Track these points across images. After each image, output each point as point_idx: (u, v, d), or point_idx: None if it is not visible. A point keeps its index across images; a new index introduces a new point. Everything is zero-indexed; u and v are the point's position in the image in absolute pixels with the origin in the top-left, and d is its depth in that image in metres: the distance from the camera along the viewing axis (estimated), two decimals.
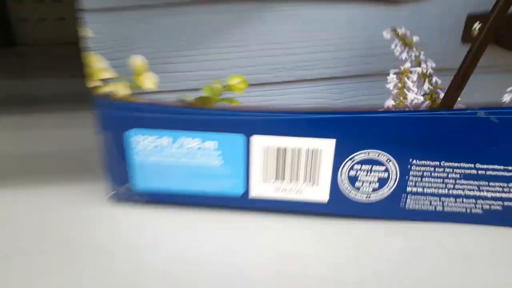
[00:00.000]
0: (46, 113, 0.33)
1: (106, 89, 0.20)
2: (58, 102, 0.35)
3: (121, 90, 0.20)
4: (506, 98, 0.19)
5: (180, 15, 0.18)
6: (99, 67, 0.20)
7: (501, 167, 0.20)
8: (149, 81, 0.20)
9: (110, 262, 0.19)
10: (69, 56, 0.43)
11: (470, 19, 0.18)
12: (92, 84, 0.20)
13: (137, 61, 0.19)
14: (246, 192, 0.22)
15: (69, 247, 0.20)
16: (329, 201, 0.22)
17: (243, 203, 0.22)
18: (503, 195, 0.21)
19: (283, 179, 0.21)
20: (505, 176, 0.20)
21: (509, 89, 0.19)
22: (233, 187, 0.22)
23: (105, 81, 0.20)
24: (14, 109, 0.34)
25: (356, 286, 0.18)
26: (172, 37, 0.19)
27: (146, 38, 0.19)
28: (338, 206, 0.22)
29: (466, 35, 0.18)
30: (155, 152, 0.21)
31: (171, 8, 0.18)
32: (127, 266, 0.19)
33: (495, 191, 0.21)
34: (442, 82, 0.19)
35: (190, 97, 0.20)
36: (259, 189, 0.22)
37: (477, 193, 0.21)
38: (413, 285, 0.18)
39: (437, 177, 0.21)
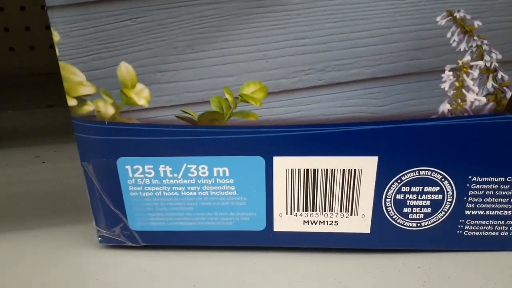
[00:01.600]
0: (18, 148, 0.29)
1: (87, 108, 0.16)
2: (31, 135, 0.30)
3: (105, 108, 0.16)
4: None
5: (177, 8, 0.14)
6: (76, 81, 0.15)
7: None
8: (141, 95, 0.16)
9: None
10: (42, 86, 0.39)
11: None
12: (70, 102, 0.16)
13: (124, 70, 0.15)
14: (269, 226, 0.18)
15: None
16: (371, 232, 0.18)
17: (266, 240, 0.18)
18: None
19: (314, 209, 0.17)
20: None
21: None
22: (251, 222, 0.18)
23: (85, 98, 0.16)
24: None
25: None
26: (167, 36, 0.15)
27: (133, 39, 0.15)
28: (383, 238, 0.18)
29: None
30: (152, 184, 0.17)
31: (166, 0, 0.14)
32: None
33: None
34: (510, 78, 0.15)
35: (194, 112, 0.16)
36: (284, 222, 0.18)
37: None
38: None
39: (503, 197, 0.17)
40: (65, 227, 0.20)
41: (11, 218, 0.21)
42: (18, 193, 0.23)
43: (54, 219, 0.21)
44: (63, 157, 0.27)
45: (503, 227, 0.17)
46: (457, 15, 0.14)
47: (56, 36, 0.15)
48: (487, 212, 0.17)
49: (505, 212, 0.17)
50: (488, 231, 0.18)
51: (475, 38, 0.15)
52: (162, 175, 0.17)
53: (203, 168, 0.17)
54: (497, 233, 0.18)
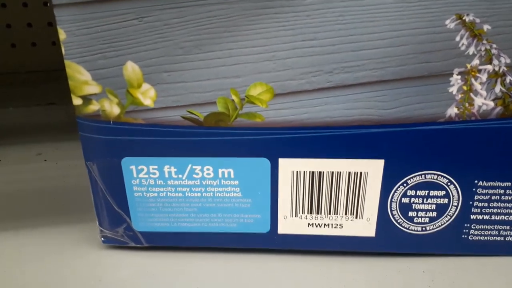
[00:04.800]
0: (19, 145, 0.28)
1: (92, 107, 0.16)
2: (32, 133, 0.30)
3: (110, 108, 0.16)
4: None
5: (184, 8, 0.14)
6: (81, 80, 0.15)
7: None
8: (147, 95, 0.15)
9: None
10: (43, 83, 0.39)
11: None
12: (74, 101, 0.16)
13: (132, 70, 0.15)
14: (273, 229, 0.18)
15: None
16: (376, 236, 0.17)
17: (270, 242, 0.18)
18: None
19: (319, 211, 0.17)
20: None
21: None
22: (256, 224, 0.18)
23: (90, 97, 0.16)
24: None
25: None
26: (174, 36, 0.15)
27: (140, 38, 0.15)
28: (388, 242, 0.18)
29: None
30: (156, 184, 0.17)
31: None
32: None
33: None
34: None
35: (200, 113, 0.16)
36: (289, 224, 0.18)
37: None
38: None
39: (509, 201, 0.17)
40: (67, 226, 0.20)
41: (13, 216, 0.21)
42: (19, 191, 0.23)
43: (56, 218, 0.21)
44: (65, 155, 0.27)
45: (509, 232, 0.17)
46: (466, 18, 0.14)
47: (62, 35, 0.15)
48: (493, 217, 0.17)
49: (511, 217, 0.17)
50: (494, 235, 0.18)
51: (484, 42, 0.14)
52: (166, 175, 0.17)
53: (208, 169, 0.17)
54: (502, 238, 0.18)
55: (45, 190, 0.23)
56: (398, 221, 0.17)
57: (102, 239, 0.18)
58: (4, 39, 0.41)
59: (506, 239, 0.18)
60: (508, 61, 0.15)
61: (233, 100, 0.15)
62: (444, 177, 0.16)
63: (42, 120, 0.32)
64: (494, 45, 0.15)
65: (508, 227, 0.17)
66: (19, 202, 0.22)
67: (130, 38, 0.15)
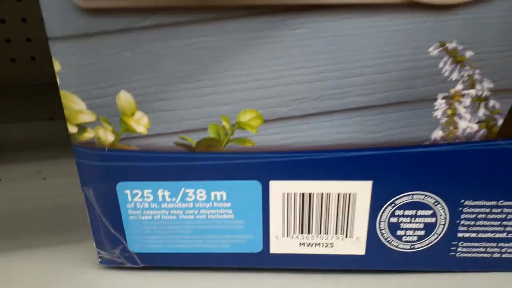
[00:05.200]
0: (19, 162, 0.29)
1: (87, 135, 0.16)
2: (32, 148, 0.31)
3: (105, 135, 0.16)
4: None
5: (174, 39, 0.15)
6: (76, 109, 0.16)
7: None
8: (140, 123, 0.16)
9: None
10: (43, 97, 0.39)
11: None
12: (70, 129, 0.16)
13: (124, 99, 0.16)
14: (266, 248, 0.18)
15: None
16: (366, 254, 0.18)
17: (262, 261, 0.18)
18: None
19: (310, 231, 0.18)
20: None
21: None
22: (248, 244, 0.18)
23: (85, 125, 0.16)
24: None
25: None
26: (165, 66, 0.15)
27: (132, 69, 0.15)
28: (377, 260, 0.18)
29: None
30: (150, 207, 0.17)
31: (163, 30, 0.15)
32: None
33: None
34: (501, 106, 0.15)
35: (193, 139, 0.16)
36: (281, 244, 0.18)
37: None
38: None
39: (494, 220, 0.17)
40: (65, 246, 0.21)
41: (10, 235, 0.22)
42: (18, 210, 0.24)
43: (54, 238, 0.21)
44: (64, 172, 0.27)
45: (495, 248, 0.18)
46: (449, 46, 0.15)
47: (57, 66, 0.15)
48: (479, 235, 0.18)
49: (497, 235, 0.18)
50: (481, 252, 0.18)
51: (467, 67, 0.15)
52: (160, 199, 0.17)
53: (200, 192, 0.17)
54: (489, 255, 0.18)
55: (44, 209, 0.24)
56: (387, 239, 0.18)
57: (99, 259, 0.19)
58: (3, 53, 0.41)
59: (493, 255, 0.18)
60: (490, 85, 0.15)
61: (223, 126, 0.16)
62: (431, 197, 0.17)
63: (41, 135, 0.33)
64: (477, 71, 0.15)
65: (495, 244, 0.18)
66: (18, 221, 0.23)
67: (122, 69, 0.15)
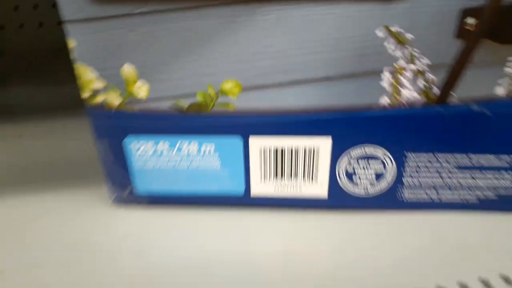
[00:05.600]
0: (39, 122, 0.33)
1: (98, 99, 0.20)
2: (47, 110, 0.34)
3: (113, 99, 0.20)
4: (497, 91, 0.19)
5: (169, 22, 0.18)
6: (89, 78, 0.19)
7: (493, 156, 0.20)
8: (141, 90, 0.19)
9: (117, 259, 0.19)
10: (51, 63, 0.42)
11: (464, 15, 0.17)
12: (84, 94, 0.20)
13: (128, 70, 0.19)
14: (247, 191, 0.22)
15: (76, 246, 0.20)
16: (328, 196, 0.22)
17: (245, 201, 0.23)
18: (496, 182, 0.21)
19: (282, 177, 0.22)
20: (498, 165, 0.21)
21: (500, 81, 0.19)
22: (234, 187, 0.22)
23: (97, 91, 0.20)
24: (6, 119, 0.34)
25: (356, 280, 0.18)
26: (162, 44, 0.18)
27: (135, 47, 0.18)
28: (338, 201, 0.22)
29: (460, 31, 0.18)
30: (153, 157, 0.21)
31: (159, 16, 0.18)
32: (133, 264, 0.19)
33: (488, 179, 0.21)
34: (437, 78, 0.19)
35: (184, 103, 0.20)
36: (260, 187, 0.22)
37: (472, 182, 0.21)
38: (416, 274, 0.19)
39: (432, 168, 0.21)
40: (83, 189, 0.25)
41: (28, 185, 0.26)
42: (34, 163, 0.28)
43: (73, 183, 0.26)
44: (73, 130, 0.31)
45: (434, 192, 0.22)
46: (393, 29, 0.18)
47: (72, 43, 0.18)
48: (421, 181, 0.21)
49: (435, 181, 0.21)
50: (422, 196, 0.22)
51: (408, 47, 0.18)
52: (160, 151, 0.21)
53: (193, 145, 0.21)
54: (429, 198, 0.22)
55: (59, 161, 0.28)
56: (345, 186, 0.22)
57: (112, 200, 0.23)
58: (12, 20, 0.43)
59: (432, 198, 0.22)
60: (428, 62, 0.18)
61: (209, 93, 0.19)
62: (380, 149, 0.21)
63: (51, 98, 0.36)
64: (416, 50, 0.18)
65: (434, 189, 0.22)
66: (34, 172, 0.27)
67: (126, 46, 0.18)
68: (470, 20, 0.18)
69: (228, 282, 0.19)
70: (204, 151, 0.21)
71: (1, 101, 0.37)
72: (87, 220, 0.23)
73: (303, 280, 0.19)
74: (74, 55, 0.19)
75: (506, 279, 0.18)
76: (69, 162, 0.28)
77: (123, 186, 0.22)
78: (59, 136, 0.31)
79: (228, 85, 0.19)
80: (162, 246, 0.21)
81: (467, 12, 0.17)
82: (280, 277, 0.19)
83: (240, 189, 0.22)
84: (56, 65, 0.42)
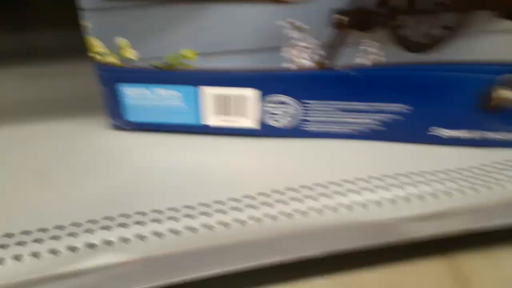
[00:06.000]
0: (56, 63, 0.43)
1: (103, 59, 0.30)
2: (63, 52, 0.44)
3: (112, 59, 0.30)
4: (360, 60, 0.29)
5: (147, 11, 0.28)
6: (96, 45, 0.29)
7: (364, 103, 0.31)
8: (130, 54, 0.30)
9: (111, 167, 0.30)
10: (69, 7, 0.51)
11: (337, 13, 0.27)
12: (92, 55, 0.30)
13: (122, 41, 0.29)
14: (202, 121, 0.33)
15: (81, 157, 0.31)
16: (257, 127, 0.33)
17: (202, 129, 0.33)
18: (366, 120, 0.32)
19: (226, 114, 0.32)
20: (367, 109, 0.31)
21: (358, 55, 0.29)
22: (193, 119, 0.33)
23: (101, 54, 0.30)
24: (24, 60, 0.43)
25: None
26: (143, 25, 0.28)
27: (127, 27, 0.28)
28: (264, 131, 0.33)
29: (335, 23, 0.28)
30: (139, 98, 0.32)
31: (139, 7, 0.28)
32: (124, 171, 0.30)
33: (362, 118, 0.32)
34: (324, 54, 0.29)
35: (159, 63, 0.30)
36: (211, 120, 0.33)
37: (351, 120, 0.32)
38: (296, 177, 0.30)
39: (324, 111, 0.32)
40: (91, 117, 0.36)
41: (49, 113, 0.36)
42: (49, 98, 0.38)
43: (82, 113, 0.36)
44: (86, 71, 0.41)
45: (327, 126, 0.33)
46: (295, 23, 0.28)
47: (87, 23, 0.28)
48: (317, 118, 0.32)
49: (327, 118, 0.32)
50: (319, 128, 0.33)
51: (305, 33, 0.28)
52: (143, 94, 0.31)
53: (165, 91, 0.31)
54: (324, 129, 0.33)
55: (72, 96, 0.38)
56: (267, 120, 0.32)
57: (112, 125, 0.34)
58: None
59: (327, 130, 0.33)
60: (318, 42, 0.28)
61: (176, 56, 0.30)
62: (289, 98, 0.31)
63: (67, 41, 0.46)
64: (309, 34, 0.28)
65: (326, 124, 0.32)
66: (52, 104, 0.37)
67: (123, 26, 0.28)
68: (340, 17, 0.27)
69: (181, 181, 0.30)
70: (172, 95, 0.32)
71: (22, 43, 0.47)
72: (94, 138, 0.34)
73: (234, 180, 0.30)
74: (86, 31, 0.29)
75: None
76: (79, 97, 0.38)
77: (118, 116, 0.33)
78: (72, 75, 0.41)
79: (187, 53, 0.29)
80: (145, 156, 0.32)
81: (339, 12, 0.27)
82: (218, 179, 0.30)
83: (198, 120, 0.33)
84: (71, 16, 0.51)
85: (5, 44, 0.47)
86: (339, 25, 0.28)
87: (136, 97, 0.32)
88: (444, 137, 0.32)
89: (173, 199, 0.27)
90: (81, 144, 0.33)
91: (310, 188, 0.29)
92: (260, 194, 0.28)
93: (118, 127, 0.34)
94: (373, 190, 0.28)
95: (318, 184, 0.29)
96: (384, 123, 0.32)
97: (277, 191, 0.28)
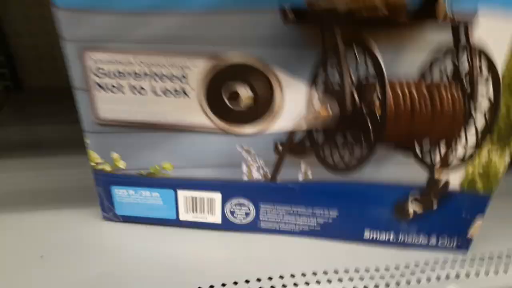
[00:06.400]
0: (53, 156, 0.51)
1: (99, 166, 0.38)
2: (63, 146, 0.53)
3: (107, 167, 0.38)
4: (295, 176, 0.37)
5: (134, 135, 0.36)
6: (95, 157, 0.38)
7: (304, 208, 0.39)
8: (121, 164, 0.38)
9: (98, 257, 0.38)
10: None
11: (276, 145, 0.36)
12: (91, 164, 0.38)
13: (115, 155, 0.38)
14: (177, 217, 0.41)
15: (75, 246, 0.38)
16: (221, 223, 0.40)
17: (177, 223, 0.41)
18: (306, 222, 0.40)
19: (196, 212, 0.40)
20: (304, 213, 0.39)
21: (293, 172, 0.37)
22: (170, 215, 0.41)
23: (98, 163, 0.38)
24: (25, 152, 0.52)
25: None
26: (132, 145, 0.37)
27: (119, 145, 0.37)
28: (226, 226, 0.41)
29: (276, 150, 0.36)
30: (126, 197, 0.40)
31: (128, 132, 0.36)
32: (111, 260, 0.37)
33: (301, 219, 0.40)
34: (269, 170, 0.37)
35: (143, 172, 0.38)
36: (184, 216, 0.41)
37: (293, 221, 0.40)
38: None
39: (274, 213, 0.40)
40: (85, 207, 0.43)
41: (40, 204, 0.44)
42: (45, 189, 0.46)
43: (76, 205, 0.44)
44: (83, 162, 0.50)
45: (276, 225, 0.40)
46: (244, 146, 0.36)
47: (88, 141, 0.37)
48: (268, 219, 0.40)
49: (276, 218, 0.40)
50: (269, 226, 0.40)
51: (253, 154, 0.37)
52: (130, 194, 0.40)
53: (148, 192, 0.39)
54: (274, 227, 0.40)
55: (71, 188, 0.46)
56: (230, 218, 0.40)
57: (103, 217, 0.42)
58: (47, 56, 0.61)
59: (275, 228, 0.40)
60: (263, 162, 0.37)
61: (157, 168, 0.38)
62: (247, 201, 0.39)
63: (72, 134, 0.55)
64: (257, 155, 0.37)
65: (276, 223, 0.40)
66: (50, 196, 0.45)
67: (116, 146, 0.37)
68: (279, 146, 0.36)
69: (155, 270, 0.37)
70: (154, 196, 0.40)
71: (27, 135, 0.56)
72: (87, 228, 0.41)
73: (202, 270, 0.37)
74: (87, 146, 0.37)
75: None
76: (74, 189, 0.46)
77: (109, 211, 0.41)
78: (69, 168, 0.49)
79: (166, 165, 0.38)
80: (127, 245, 0.39)
81: (277, 143, 0.36)
82: (186, 268, 0.37)
83: (173, 216, 0.41)
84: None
85: (11, 135, 0.56)
86: (278, 151, 0.36)
87: (124, 196, 0.40)
88: (367, 238, 0.40)
89: (147, 285, 0.35)
90: (75, 234, 0.40)
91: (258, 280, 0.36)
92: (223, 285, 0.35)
93: (107, 219, 0.42)
94: (308, 284, 0.36)
95: (259, 279, 0.36)
96: (319, 225, 0.39)
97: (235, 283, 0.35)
